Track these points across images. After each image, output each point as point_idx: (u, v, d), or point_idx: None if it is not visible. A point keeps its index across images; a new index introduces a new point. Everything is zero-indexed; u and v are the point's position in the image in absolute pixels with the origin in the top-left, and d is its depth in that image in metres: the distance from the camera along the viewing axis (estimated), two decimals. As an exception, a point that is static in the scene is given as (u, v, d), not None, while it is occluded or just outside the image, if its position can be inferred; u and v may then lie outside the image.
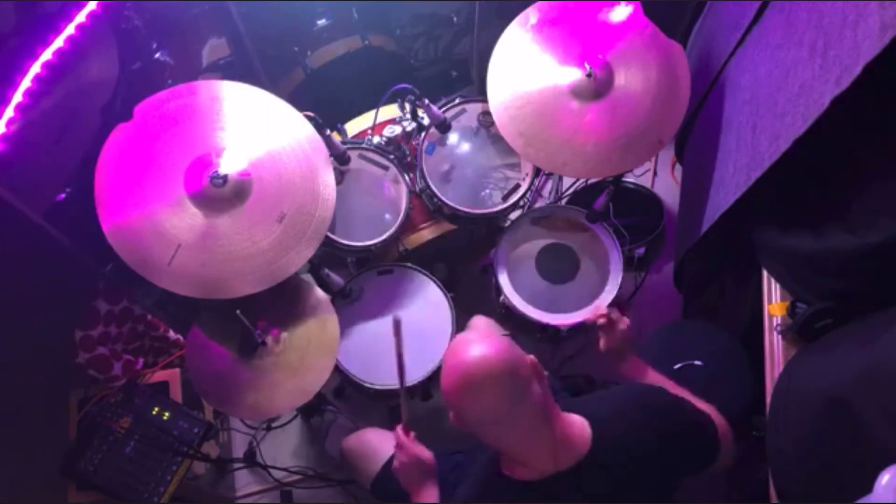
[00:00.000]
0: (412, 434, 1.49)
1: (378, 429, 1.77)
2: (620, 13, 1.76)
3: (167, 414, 1.82)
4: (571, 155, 1.70)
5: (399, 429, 1.46)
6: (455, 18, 2.74)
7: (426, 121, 1.93)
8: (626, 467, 1.18)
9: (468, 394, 1.12)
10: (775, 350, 1.52)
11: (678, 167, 2.62)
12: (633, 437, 1.20)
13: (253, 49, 2.34)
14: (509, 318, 1.99)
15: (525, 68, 1.74)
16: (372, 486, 1.66)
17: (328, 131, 1.74)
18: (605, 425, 1.19)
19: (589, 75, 1.68)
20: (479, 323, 1.90)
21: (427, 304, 1.94)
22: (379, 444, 1.69)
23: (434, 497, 1.37)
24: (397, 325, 1.53)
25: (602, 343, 1.51)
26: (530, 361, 1.16)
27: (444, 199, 1.89)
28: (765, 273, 1.61)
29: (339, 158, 1.85)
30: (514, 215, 2.15)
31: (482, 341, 1.14)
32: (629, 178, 2.66)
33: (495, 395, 1.10)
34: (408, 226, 1.99)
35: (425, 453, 1.41)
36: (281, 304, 1.71)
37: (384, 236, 1.88)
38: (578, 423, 1.19)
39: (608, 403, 1.27)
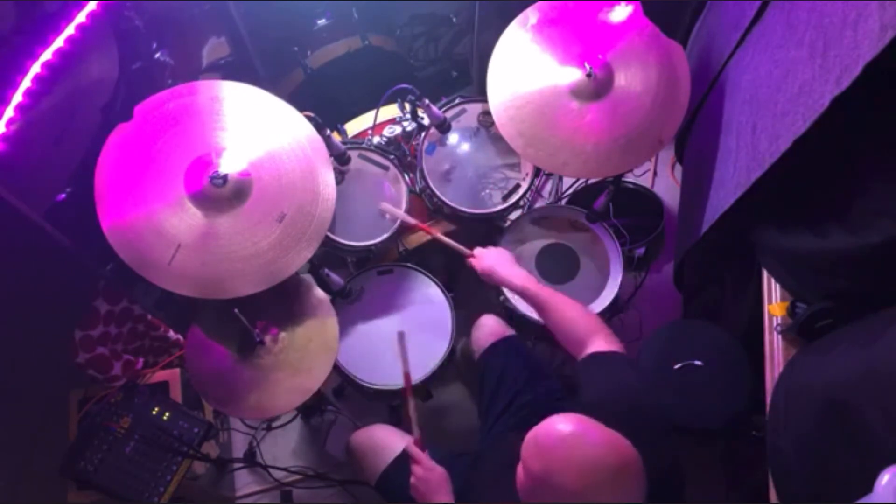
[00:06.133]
0: (426, 452, 1.51)
1: (387, 425, 1.77)
2: (620, 13, 1.76)
3: (167, 414, 1.82)
4: (571, 155, 1.70)
5: (412, 444, 1.50)
6: (455, 19, 2.74)
7: (426, 121, 1.93)
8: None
9: (607, 496, 0.99)
10: (775, 350, 1.53)
11: (678, 167, 2.62)
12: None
13: (253, 49, 2.34)
14: (509, 319, 1.99)
15: (525, 68, 1.74)
16: (377, 483, 1.66)
17: (328, 131, 1.74)
18: None
19: (589, 75, 1.68)
20: (487, 322, 1.90)
21: (427, 304, 1.94)
22: (387, 440, 1.69)
23: None
24: (402, 340, 1.57)
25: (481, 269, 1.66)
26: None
27: (444, 199, 1.89)
28: (765, 273, 1.62)
29: (339, 158, 1.84)
30: (514, 215, 2.15)
31: (611, 433, 1.04)
32: (629, 178, 2.66)
33: (635, 494, 1.01)
34: (408, 226, 1.98)
35: (441, 472, 1.45)
36: (281, 303, 1.71)
37: (384, 236, 1.88)
38: None
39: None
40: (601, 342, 1.36)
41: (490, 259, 1.67)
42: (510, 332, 1.87)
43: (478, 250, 1.72)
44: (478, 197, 1.94)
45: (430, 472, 1.46)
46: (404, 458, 1.56)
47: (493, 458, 1.46)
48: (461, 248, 1.75)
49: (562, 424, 1.06)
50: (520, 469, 1.10)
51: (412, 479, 1.46)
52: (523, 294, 1.57)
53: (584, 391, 1.30)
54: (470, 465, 1.58)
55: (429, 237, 2.02)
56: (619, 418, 1.10)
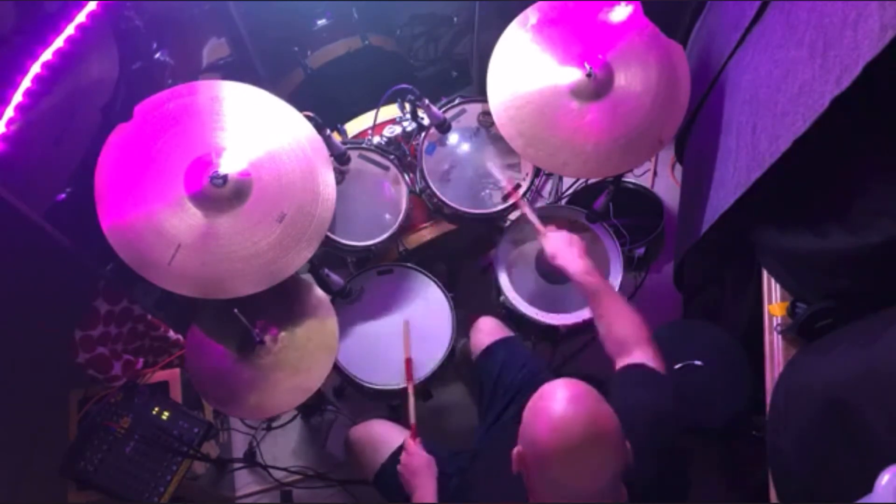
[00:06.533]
0: (419, 440, 1.56)
1: (385, 421, 1.78)
2: (620, 13, 1.76)
3: (167, 414, 1.82)
4: (571, 155, 1.70)
5: (408, 434, 1.56)
6: (455, 18, 2.74)
7: (426, 121, 1.93)
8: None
9: (575, 461, 1.00)
10: (775, 350, 1.53)
11: (678, 167, 2.62)
12: (657, 478, 1.18)
13: (253, 49, 2.34)
14: (509, 318, 1.99)
15: (525, 68, 1.74)
16: (375, 478, 1.66)
17: (328, 131, 1.74)
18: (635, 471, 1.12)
19: (589, 75, 1.68)
20: (485, 323, 1.90)
21: (427, 304, 1.94)
22: (385, 436, 1.70)
23: (432, 499, 1.42)
24: (406, 328, 1.54)
25: (547, 250, 1.62)
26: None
27: (444, 199, 1.89)
28: (765, 273, 1.62)
29: (339, 158, 1.84)
30: (514, 215, 2.15)
31: (597, 400, 1.05)
32: (629, 178, 2.66)
33: (605, 467, 1.01)
34: (408, 226, 1.99)
35: (426, 458, 1.49)
36: (281, 303, 1.71)
37: (384, 236, 1.88)
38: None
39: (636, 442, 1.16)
40: (643, 355, 1.34)
41: (556, 243, 1.62)
42: (508, 333, 1.87)
43: (550, 230, 1.68)
44: (478, 197, 1.94)
45: (413, 457, 1.51)
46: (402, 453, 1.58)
47: (492, 457, 1.46)
48: (539, 224, 1.74)
49: (562, 385, 1.07)
50: None
51: (398, 466, 1.51)
52: (580, 284, 1.52)
53: (611, 398, 1.32)
54: (468, 462, 1.59)
55: (429, 237, 2.02)
56: (637, 430, 1.12)
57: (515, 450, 1.09)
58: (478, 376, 1.80)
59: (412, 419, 1.64)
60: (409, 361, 1.78)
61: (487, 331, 1.87)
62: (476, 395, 1.85)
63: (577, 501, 1.02)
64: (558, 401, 1.04)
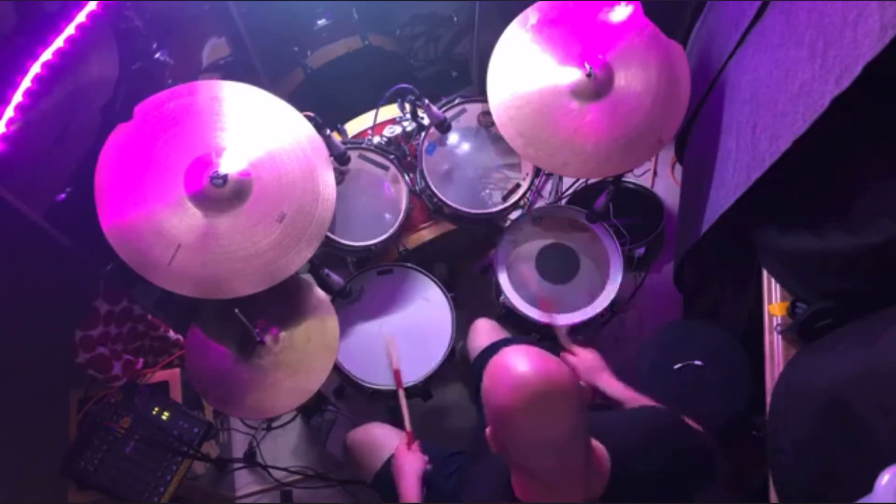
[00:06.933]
0: (415, 443, 1.60)
1: (383, 424, 1.79)
2: (620, 13, 1.76)
3: (167, 414, 1.82)
4: (571, 155, 1.70)
5: (403, 436, 1.62)
6: (455, 18, 2.74)
7: (426, 121, 1.93)
8: (643, 500, 1.18)
9: (532, 412, 1.02)
10: (775, 350, 1.53)
11: (678, 167, 2.62)
12: (652, 474, 1.19)
13: (253, 49, 2.34)
14: (509, 318, 1.99)
15: (525, 68, 1.74)
16: (373, 481, 1.68)
17: (328, 131, 1.74)
18: (625, 458, 1.16)
19: (589, 75, 1.68)
20: (483, 325, 1.90)
21: (427, 304, 1.94)
22: (384, 439, 1.71)
23: (414, 499, 1.48)
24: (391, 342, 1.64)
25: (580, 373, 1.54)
26: (587, 388, 1.09)
27: (444, 199, 1.89)
28: (765, 273, 1.62)
29: (339, 158, 1.84)
30: (514, 215, 2.15)
31: (546, 358, 1.07)
32: (629, 178, 2.66)
33: (561, 417, 1.03)
34: (408, 226, 1.99)
35: (412, 460, 1.54)
36: (281, 303, 1.71)
37: (384, 236, 1.88)
38: (600, 450, 1.16)
39: (625, 433, 1.22)
40: None
41: (591, 362, 1.56)
42: (505, 335, 1.87)
43: (579, 351, 1.61)
44: (478, 197, 1.94)
45: (398, 459, 1.55)
46: None
47: (488, 458, 1.46)
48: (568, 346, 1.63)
49: (511, 352, 1.10)
50: None
51: (391, 469, 1.56)
52: (614, 398, 1.49)
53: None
54: (466, 462, 1.59)
55: (429, 237, 2.02)
56: (629, 434, 1.16)
57: (486, 430, 1.11)
58: (476, 378, 1.80)
59: (407, 426, 1.67)
60: (397, 373, 1.80)
61: (485, 332, 1.87)
62: (475, 396, 1.86)
63: (549, 456, 1.05)
64: (512, 365, 1.07)
